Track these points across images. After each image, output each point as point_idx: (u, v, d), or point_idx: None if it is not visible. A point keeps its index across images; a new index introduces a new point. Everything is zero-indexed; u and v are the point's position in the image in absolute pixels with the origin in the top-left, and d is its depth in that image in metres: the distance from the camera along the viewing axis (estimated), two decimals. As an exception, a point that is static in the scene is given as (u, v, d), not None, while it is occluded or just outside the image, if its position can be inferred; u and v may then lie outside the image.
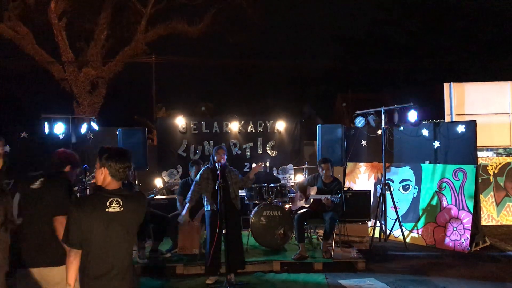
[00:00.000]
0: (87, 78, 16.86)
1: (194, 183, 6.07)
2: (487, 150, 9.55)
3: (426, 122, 8.31)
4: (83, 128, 8.04)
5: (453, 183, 7.72)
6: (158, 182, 8.86)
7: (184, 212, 5.97)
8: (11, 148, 7.47)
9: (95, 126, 8.22)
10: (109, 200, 2.78)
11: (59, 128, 7.62)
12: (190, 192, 5.99)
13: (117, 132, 8.57)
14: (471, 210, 7.38)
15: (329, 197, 6.61)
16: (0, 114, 21.01)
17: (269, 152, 9.69)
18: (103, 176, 2.86)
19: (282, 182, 9.25)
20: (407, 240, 7.89)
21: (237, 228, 6.02)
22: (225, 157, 5.95)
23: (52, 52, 16.81)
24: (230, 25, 19.64)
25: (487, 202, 9.37)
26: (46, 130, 7.51)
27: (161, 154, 9.60)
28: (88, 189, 5.92)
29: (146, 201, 3.11)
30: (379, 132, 8.60)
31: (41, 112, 7.63)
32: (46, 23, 16.43)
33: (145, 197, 3.17)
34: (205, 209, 5.99)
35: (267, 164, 9.14)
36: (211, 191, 5.83)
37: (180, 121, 9.56)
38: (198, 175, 6.06)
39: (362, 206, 7.68)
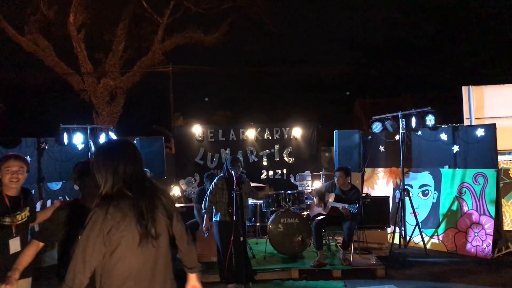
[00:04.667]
0: (106, 88, 17.10)
1: (208, 193, 5.97)
2: (509, 153, 9.34)
3: (445, 126, 8.19)
4: (102, 138, 8.14)
5: (473, 188, 7.59)
6: (176, 190, 8.93)
7: (204, 224, 5.98)
8: (31, 159, 7.61)
9: (113, 136, 8.31)
10: None
11: (78, 138, 7.72)
12: (205, 204, 5.94)
13: (135, 142, 8.68)
14: (493, 215, 7.25)
15: (346, 206, 6.53)
16: (22, 125, 21.44)
17: (286, 159, 9.68)
18: None
19: (300, 189, 9.22)
20: (428, 246, 7.78)
21: (245, 237, 5.96)
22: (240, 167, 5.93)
23: (71, 63, 17.12)
24: (246, 33, 19.76)
25: (510, 207, 9.15)
26: (66, 141, 7.61)
27: (178, 162, 9.67)
28: None
29: None
30: (397, 137, 8.52)
31: (60, 123, 7.73)
32: (65, 36, 16.76)
33: None
34: (214, 219, 5.90)
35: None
36: (226, 201, 5.79)
37: (197, 129, 9.63)
38: (212, 184, 5.95)
39: (381, 212, 7.61)
